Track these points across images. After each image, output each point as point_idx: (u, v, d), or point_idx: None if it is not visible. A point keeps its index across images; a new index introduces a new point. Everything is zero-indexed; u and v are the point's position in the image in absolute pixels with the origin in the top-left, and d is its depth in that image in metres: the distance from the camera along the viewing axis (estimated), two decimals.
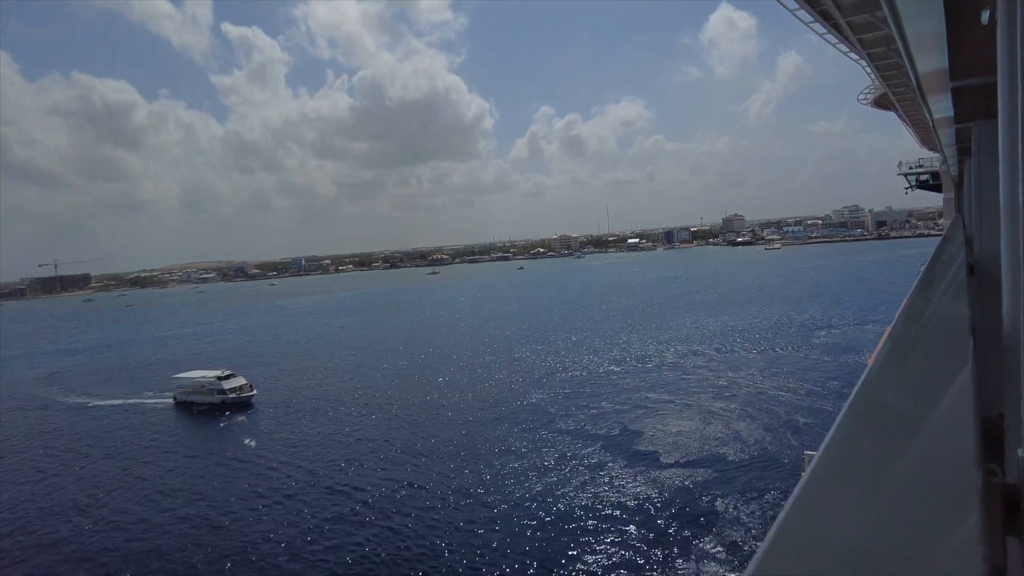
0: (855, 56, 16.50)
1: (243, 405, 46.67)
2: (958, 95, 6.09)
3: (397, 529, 24.94)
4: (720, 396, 39.59)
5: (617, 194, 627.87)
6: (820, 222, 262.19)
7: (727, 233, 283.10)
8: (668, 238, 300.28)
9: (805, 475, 1.01)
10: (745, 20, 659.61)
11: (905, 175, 44.02)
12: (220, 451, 37.06)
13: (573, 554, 22.13)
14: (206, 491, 30.73)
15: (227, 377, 48.53)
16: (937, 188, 42.22)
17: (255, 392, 48.28)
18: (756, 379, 43.10)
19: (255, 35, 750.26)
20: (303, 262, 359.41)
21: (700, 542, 22.17)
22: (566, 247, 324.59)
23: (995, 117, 2.03)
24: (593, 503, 25.86)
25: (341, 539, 24.57)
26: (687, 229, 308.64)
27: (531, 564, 21.75)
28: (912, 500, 0.95)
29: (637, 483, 27.46)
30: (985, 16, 3.49)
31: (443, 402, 43.89)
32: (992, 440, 1.67)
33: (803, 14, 12.58)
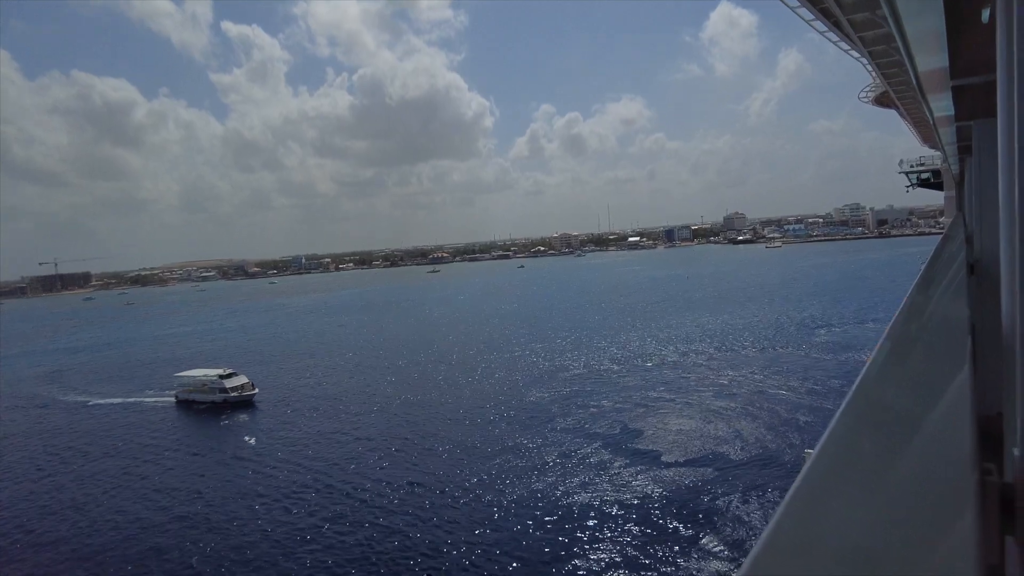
0: (856, 54, 16.47)
1: (245, 404, 46.67)
2: (959, 93, 6.08)
3: (398, 527, 24.96)
4: (720, 394, 39.60)
5: (618, 192, 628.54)
6: (821, 220, 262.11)
7: (728, 231, 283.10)
8: (669, 236, 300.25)
9: (802, 473, 1.01)
10: (746, 18, 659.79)
11: (906, 173, 44.01)
12: (222, 450, 37.11)
13: (573, 552, 22.15)
14: (207, 490, 30.77)
15: (229, 376, 48.55)
16: (938, 186, 42.19)
17: (257, 391, 48.27)
18: (756, 377, 43.10)
19: (255, 33, 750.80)
20: (303, 260, 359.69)
21: (700, 540, 22.19)
22: (567, 245, 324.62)
23: (995, 116, 2.02)
24: (593, 501, 25.87)
25: (343, 538, 24.60)
26: (688, 227, 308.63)
27: (532, 562, 21.77)
28: (909, 499, 0.95)
29: (637, 481, 27.48)
30: (985, 15, 3.48)
31: (444, 400, 43.92)
32: (991, 439, 1.67)
33: (804, 12, 12.54)
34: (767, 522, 0.80)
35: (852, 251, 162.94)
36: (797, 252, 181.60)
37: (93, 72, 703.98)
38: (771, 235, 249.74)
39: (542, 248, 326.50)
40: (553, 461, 30.60)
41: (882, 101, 37.72)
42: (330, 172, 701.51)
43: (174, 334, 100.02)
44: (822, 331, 57.59)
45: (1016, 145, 1.60)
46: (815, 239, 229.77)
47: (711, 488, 26.15)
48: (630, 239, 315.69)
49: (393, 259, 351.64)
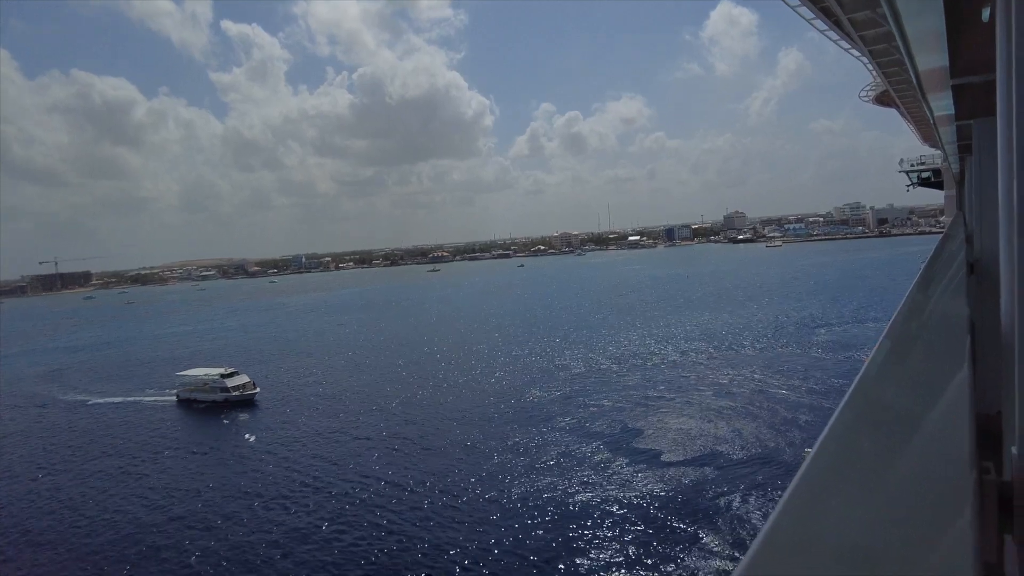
0: (856, 53, 16.44)
1: (246, 403, 46.68)
2: (959, 92, 6.08)
3: (399, 526, 24.99)
4: (720, 393, 39.62)
5: (618, 192, 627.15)
6: (821, 220, 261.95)
7: (728, 231, 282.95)
8: (669, 235, 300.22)
9: (800, 471, 1.01)
10: (746, 17, 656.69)
11: (907, 172, 43.97)
12: (223, 449, 37.15)
13: (574, 549, 22.17)
14: (209, 489, 30.80)
15: (230, 375, 48.57)
16: (939, 185, 42.17)
17: (258, 390, 48.27)
18: (756, 376, 43.11)
19: (255, 32, 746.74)
20: (303, 259, 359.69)
21: (700, 538, 22.21)
22: (567, 244, 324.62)
23: (995, 115, 2.01)
24: (594, 500, 25.89)
25: (343, 537, 24.63)
26: (688, 227, 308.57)
27: (532, 560, 21.81)
28: (907, 497, 0.95)
29: (637, 480, 27.50)
30: (986, 14, 3.49)
31: (444, 399, 43.95)
32: (991, 438, 1.66)
33: (804, 10, 12.54)
34: (766, 520, 0.80)
35: (852, 250, 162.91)
36: (797, 251, 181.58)
37: (93, 71, 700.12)
38: (771, 234, 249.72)
39: (542, 247, 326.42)
40: (553, 460, 30.62)
41: (883, 100, 37.70)
42: (330, 171, 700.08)
43: (174, 333, 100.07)
44: (822, 330, 57.60)
45: (1015, 144, 1.59)
46: (815, 238, 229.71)
47: (711, 487, 26.17)
48: (630, 238, 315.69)
49: (393, 258, 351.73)
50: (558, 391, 43.63)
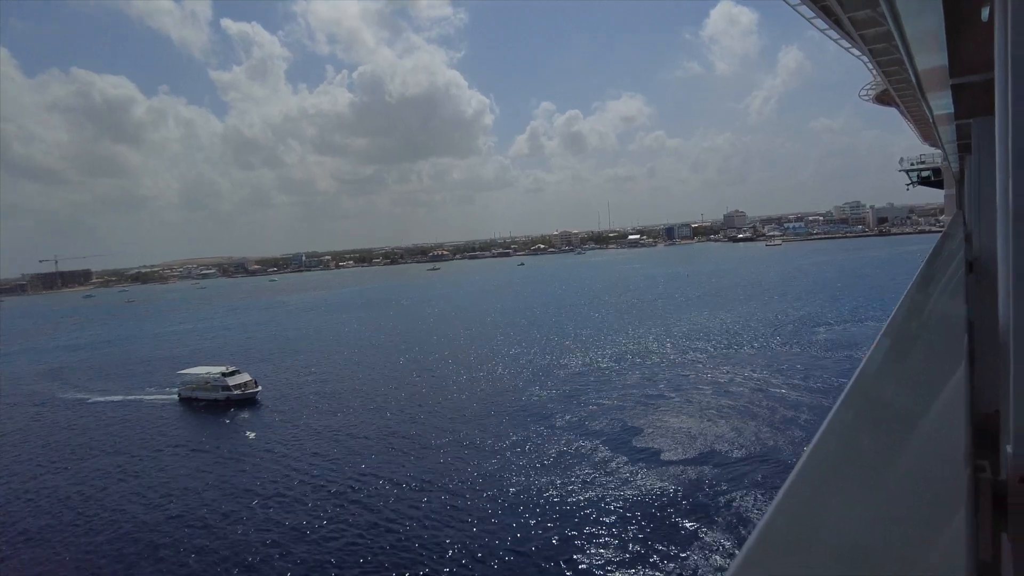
0: (857, 52, 16.43)
1: (248, 402, 46.71)
2: (958, 92, 6.09)
3: (400, 524, 25.04)
4: (720, 392, 39.66)
5: (618, 190, 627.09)
6: (821, 218, 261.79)
7: (728, 229, 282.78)
8: (669, 234, 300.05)
9: (796, 468, 0.99)
10: (746, 15, 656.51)
11: (907, 171, 43.92)
12: (225, 447, 37.17)
13: (574, 547, 22.22)
14: (210, 488, 30.84)
15: (232, 373, 48.58)
16: (939, 184, 42.14)
17: (260, 388, 48.28)
18: (755, 375, 43.15)
19: (255, 31, 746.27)
20: (303, 258, 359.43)
21: (699, 536, 22.25)
22: (567, 243, 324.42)
23: (995, 114, 2.03)
24: (593, 497, 25.93)
25: (345, 535, 24.68)
26: (688, 225, 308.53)
27: (532, 558, 21.85)
28: (903, 495, 0.94)
29: (636, 478, 27.54)
30: (985, 13, 3.50)
31: (444, 398, 43.99)
32: (989, 436, 1.68)
33: (804, 9, 12.53)
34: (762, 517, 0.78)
35: (852, 249, 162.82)
36: (797, 250, 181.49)
37: (92, 69, 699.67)
38: (771, 233, 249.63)
39: (542, 246, 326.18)
40: (553, 458, 30.67)
41: (883, 99, 37.64)
42: (330, 169, 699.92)
43: (174, 331, 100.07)
44: (821, 329, 57.63)
45: (1011, 143, 1.59)
46: (815, 237, 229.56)
47: (710, 485, 26.21)
48: (630, 237, 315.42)
49: (393, 257, 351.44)
50: (558, 389, 43.66)
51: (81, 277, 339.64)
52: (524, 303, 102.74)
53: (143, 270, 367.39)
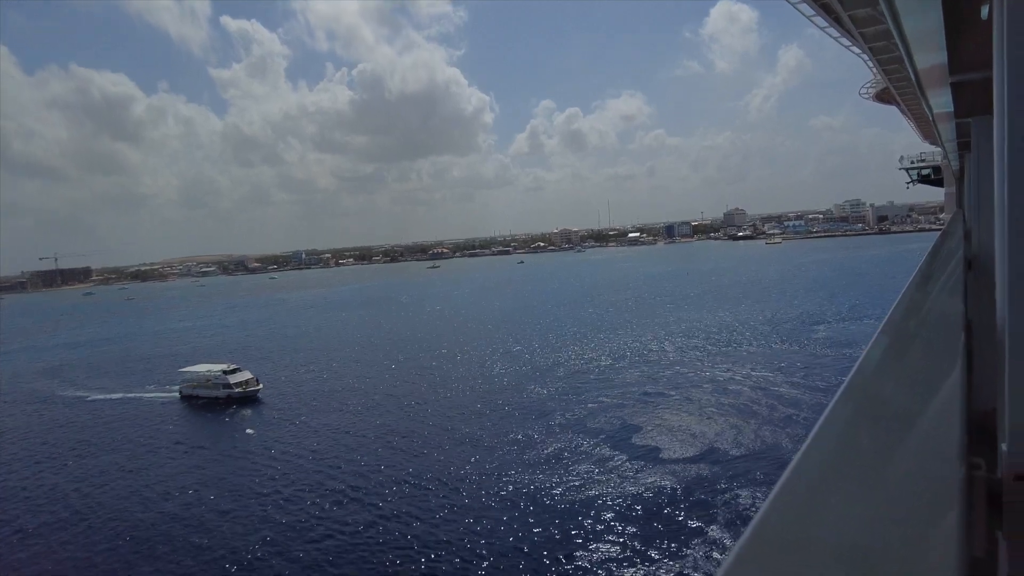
0: (857, 50, 16.42)
1: (249, 399, 46.69)
2: (958, 90, 6.09)
3: (401, 522, 25.08)
4: (719, 390, 39.70)
5: (618, 189, 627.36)
6: (821, 216, 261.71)
7: (728, 227, 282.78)
8: (669, 232, 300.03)
9: (791, 465, 0.99)
10: (746, 14, 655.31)
11: (907, 170, 43.93)
12: (226, 445, 37.20)
13: (574, 544, 22.26)
14: (211, 486, 30.86)
15: (233, 371, 48.50)
16: (939, 183, 42.15)
17: (261, 386, 48.20)
18: (754, 373, 43.19)
19: (254, 28, 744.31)
20: (303, 256, 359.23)
21: (698, 534, 22.30)
22: (567, 241, 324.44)
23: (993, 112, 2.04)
24: (592, 495, 25.98)
25: (346, 533, 24.72)
26: (688, 223, 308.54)
27: (532, 556, 21.90)
28: (898, 493, 0.94)
29: (635, 475, 27.59)
30: (984, 11, 3.50)
31: (444, 396, 44.02)
32: (986, 434, 1.68)
33: (804, 7, 12.54)
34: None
35: (852, 247, 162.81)
36: (797, 248, 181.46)
37: (92, 67, 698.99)
38: (771, 231, 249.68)
39: (542, 244, 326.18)
40: (552, 455, 30.71)
41: (883, 97, 37.62)
42: (330, 167, 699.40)
43: (174, 329, 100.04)
44: (820, 327, 57.66)
45: (1007, 141, 1.59)
46: (815, 235, 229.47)
47: (709, 482, 26.26)
48: (630, 235, 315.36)
49: (393, 255, 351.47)
50: (557, 387, 43.70)
51: (81, 275, 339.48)
52: (524, 301, 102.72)
53: (143, 268, 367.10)
